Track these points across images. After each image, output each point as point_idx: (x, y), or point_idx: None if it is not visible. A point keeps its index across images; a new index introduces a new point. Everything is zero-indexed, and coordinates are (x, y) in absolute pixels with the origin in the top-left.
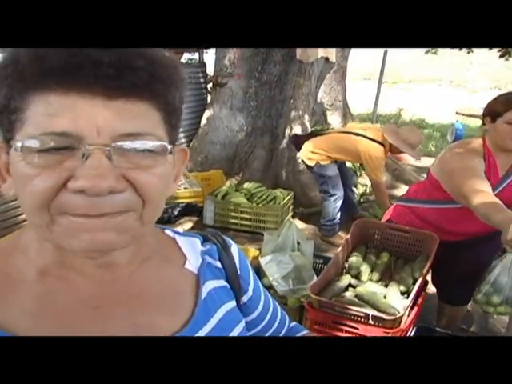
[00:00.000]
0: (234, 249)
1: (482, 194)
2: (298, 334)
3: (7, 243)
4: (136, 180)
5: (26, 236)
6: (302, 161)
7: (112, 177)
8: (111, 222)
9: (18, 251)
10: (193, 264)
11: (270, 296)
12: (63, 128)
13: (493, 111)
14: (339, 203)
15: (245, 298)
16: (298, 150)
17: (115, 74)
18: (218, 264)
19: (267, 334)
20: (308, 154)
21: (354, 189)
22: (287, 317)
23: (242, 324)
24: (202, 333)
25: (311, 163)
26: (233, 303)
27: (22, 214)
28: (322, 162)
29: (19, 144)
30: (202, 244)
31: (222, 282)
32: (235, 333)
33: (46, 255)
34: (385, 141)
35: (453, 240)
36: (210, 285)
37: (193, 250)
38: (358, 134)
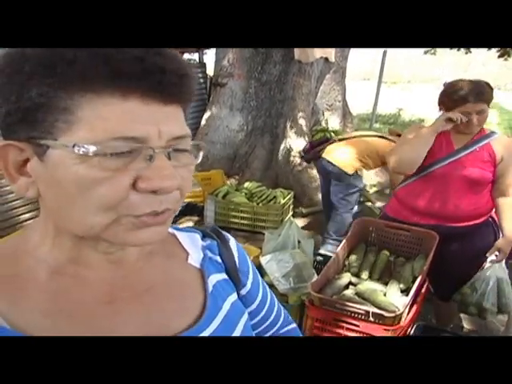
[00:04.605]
0: (233, 243)
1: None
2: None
3: (9, 246)
4: (183, 177)
5: (34, 237)
6: (333, 166)
7: (177, 176)
8: (167, 216)
9: (26, 253)
10: (195, 259)
11: (268, 291)
12: (134, 133)
13: (447, 105)
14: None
15: (243, 291)
16: (313, 158)
17: (177, 82)
18: (218, 259)
19: (262, 327)
20: (350, 160)
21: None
22: (284, 315)
23: (246, 315)
24: (213, 326)
25: (351, 171)
26: (235, 295)
27: (22, 214)
28: (359, 172)
29: (80, 148)
30: (202, 239)
31: (224, 275)
32: (241, 324)
33: (61, 253)
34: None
35: (430, 224)
36: (214, 278)
37: (193, 245)
38: (386, 138)
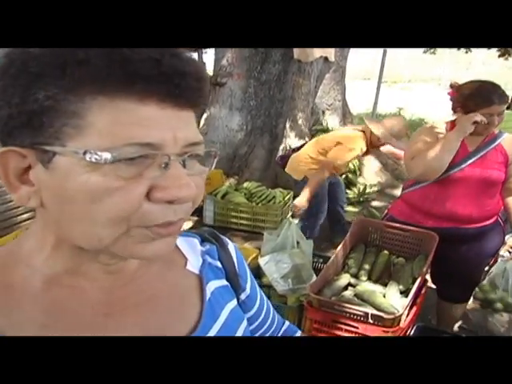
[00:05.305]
0: (231, 247)
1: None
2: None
3: (3, 253)
4: (197, 186)
5: (29, 245)
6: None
7: (193, 185)
8: (180, 225)
9: (20, 261)
10: (194, 265)
11: (263, 294)
12: (149, 139)
13: (468, 107)
14: (318, 226)
15: (243, 296)
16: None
17: (195, 86)
18: (218, 264)
19: (259, 332)
20: (296, 166)
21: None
22: (278, 316)
23: (245, 322)
24: (210, 335)
25: (299, 176)
26: (234, 302)
27: (21, 214)
28: (309, 176)
29: (92, 154)
30: (200, 244)
31: (224, 282)
32: (240, 332)
33: (58, 264)
34: (366, 129)
35: (444, 227)
36: (212, 285)
37: (192, 251)
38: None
